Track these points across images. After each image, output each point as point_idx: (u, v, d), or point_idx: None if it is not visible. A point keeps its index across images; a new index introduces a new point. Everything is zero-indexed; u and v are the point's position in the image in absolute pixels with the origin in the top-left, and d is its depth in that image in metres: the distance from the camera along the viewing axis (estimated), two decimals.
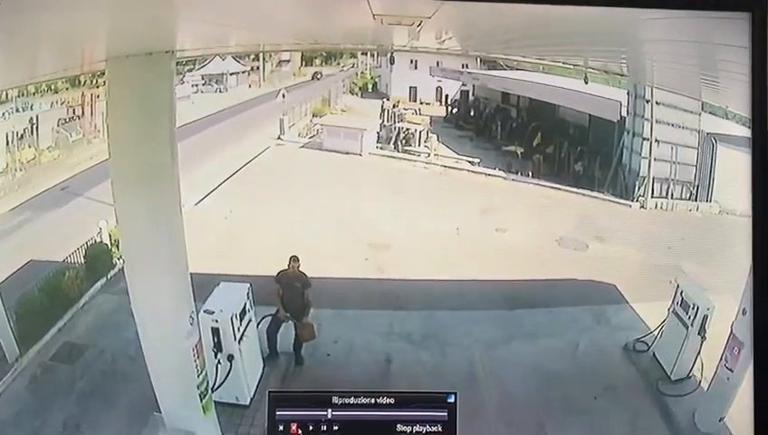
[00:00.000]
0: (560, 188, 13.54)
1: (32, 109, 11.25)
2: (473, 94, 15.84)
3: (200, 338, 8.93)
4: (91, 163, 11.92)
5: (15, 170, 11.47)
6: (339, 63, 16.95)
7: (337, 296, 11.23)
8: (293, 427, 8.04)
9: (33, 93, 11.14)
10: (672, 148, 12.65)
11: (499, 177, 13.94)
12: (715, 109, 11.56)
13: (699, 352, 10.44)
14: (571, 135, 14.28)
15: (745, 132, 7.57)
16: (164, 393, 8.76)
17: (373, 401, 8.15)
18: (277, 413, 8.08)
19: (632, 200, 12.89)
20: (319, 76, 16.72)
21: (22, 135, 11.28)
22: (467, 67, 15.61)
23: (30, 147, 11.34)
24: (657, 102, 12.61)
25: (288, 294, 10.64)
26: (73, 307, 11.02)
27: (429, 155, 14.54)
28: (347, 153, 14.44)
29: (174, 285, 8.66)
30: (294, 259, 10.50)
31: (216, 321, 9.83)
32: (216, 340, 9.83)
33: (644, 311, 11.34)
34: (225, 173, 13.51)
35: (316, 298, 10.65)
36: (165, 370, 8.72)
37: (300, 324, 10.76)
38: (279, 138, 14.92)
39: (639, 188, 12.79)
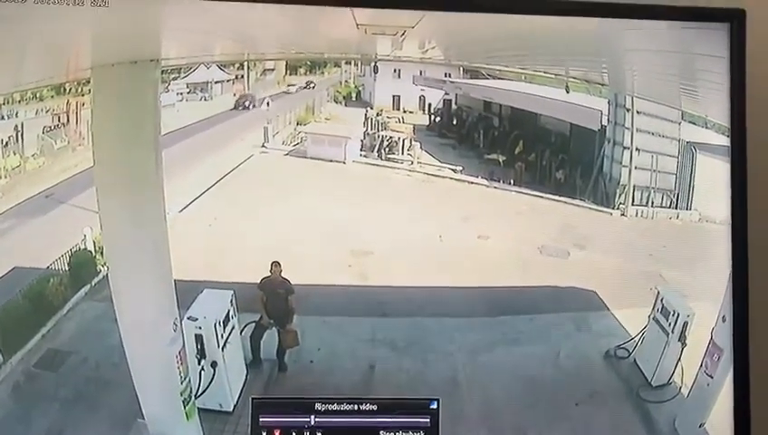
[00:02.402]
0: (541, 196, 13.58)
1: (17, 116, 11.24)
2: (455, 103, 15.87)
3: (184, 345, 9.00)
4: (76, 171, 11.89)
5: (0, 178, 11.48)
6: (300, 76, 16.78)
7: (320, 303, 11.22)
8: (276, 433, 8.09)
9: (19, 101, 11.13)
10: (652, 156, 12.72)
11: (481, 184, 13.98)
12: (695, 118, 11.64)
13: (680, 359, 10.52)
14: (553, 143, 14.33)
15: (724, 141, 7.68)
16: (147, 400, 8.80)
17: (356, 407, 8.20)
18: (260, 419, 8.13)
19: (613, 208, 12.95)
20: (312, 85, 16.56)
21: (6, 143, 11.26)
22: (450, 76, 15.65)
23: (15, 154, 11.33)
24: (637, 112, 12.70)
25: (272, 301, 10.67)
26: (57, 314, 10.98)
27: (412, 163, 14.58)
28: (331, 161, 14.46)
29: (158, 292, 8.73)
30: (276, 265, 10.51)
31: (200, 328, 9.88)
32: (199, 347, 9.87)
33: (625, 318, 11.38)
34: (210, 181, 13.51)
35: (300, 305, 10.65)
36: (148, 376, 8.77)
37: (283, 331, 10.79)
38: (263, 146, 14.92)
39: (620, 196, 12.87)
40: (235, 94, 15.41)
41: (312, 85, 15.98)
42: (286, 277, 10.52)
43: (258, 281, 10.59)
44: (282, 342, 10.85)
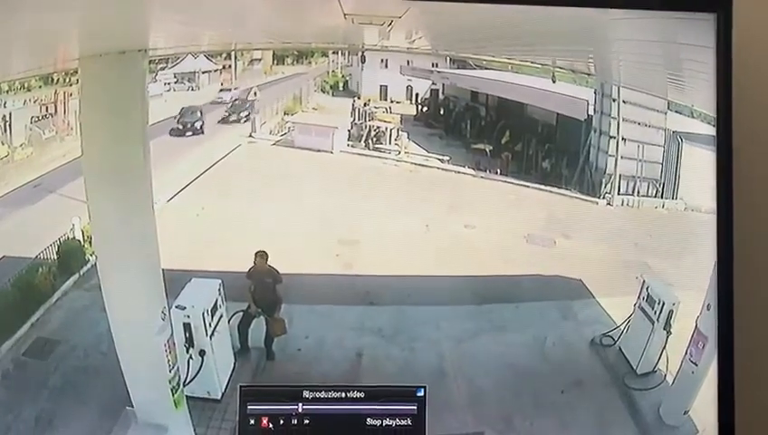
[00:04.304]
0: (528, 186, 13.60)
1: (5, 106, 11.22)
2: (442, 93, 15.86)
3: (172, 333, 9.02)
4: (64, 161, 11.89)
5: None
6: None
7: (308, 292, 11.25)
8: (264, 421, 8.13)
9: (6, 91, 11.10)
10: (638, 146, 12.76)
11: (468, 174, 13.98)
12: (681, 107, 11.68)
13: (665, 347, 10.59)
14: (539, 133, 14.35)
15: (710, 131, 7.72)
16: (136, 388, 8.84)
17: (343, 395, 8.24)
18: (248, 407, 8.16)
19: (599, 197, 12.98)
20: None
21: None
22: (437, 66, 15.64)
23: (3, 144, 11.32)
24: (623, 101, 12.72)
25: (259, 290, 10.71)
26: (46, 303, 11.00)
27: (400, 153, 14.58)
28: (318, 151, 14.44)
29: (146, 281, 8.76)
30: (261, 255, 10.54)
31: (188, 316, 9.92)
32: (187, 335, 9.92)
33: (610, 306, 11.45)
34: (197, 170, 13.49)
35: (287, 294, 10.70)
36: (137, 365, 8.81)
37: (271, 320, 10.83)
38: (251, 135, 14.89)
39: (606, 185, 12.90)
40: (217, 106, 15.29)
41: (252, 100, 15.55)
42: (273, 266, 10.54)
43: (246, 270, 10.62)
44: (270, 330, 10.89)
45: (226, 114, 15.08)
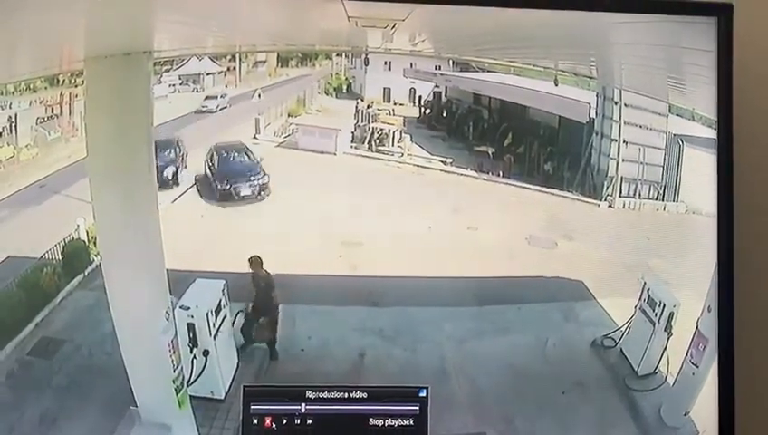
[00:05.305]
0: (530, 188, 13.57)
1: (10, 107, 11.23)
2: (445, 95, 15.84)
3: (176, 334, 9.06)
4: (69, 161, 11.88)
5: None
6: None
7: (311, 293, 11.24)
8: (267, 421, 8.17)
9: (12, 92, 11.14)
10: (640, 149, 12.75)
11: (471, 176, 13.98)
12: (682, 111, 11.67)
13: (665, 348, 10.59)
14: (542, 136, 14.33)
15: (711, 134, 7.75)
16: (140, 388, 8.87)
17: (346, 395, 8.28)
18: (252, 407, 8.21)
19: (600, 200, 12.97)
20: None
21: (0, 133, 11.31)
22: (440, 69, 15.62)
23: (9, 145, 11.34)
24: (625, 104, 12.71)
25: (258, 293, 10.76)
26: (51, 303, 11.01)
27: (402, 155, 14.58)
28: (322, 152, 14.44)
29: (150, 282, 8.80)
30: (254, 260, 10.61)
31: (192, 317, 9.95)
32: (191, 335, 9.95)
33: (612, 308, 11.43)
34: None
35: (291, 295, 10.72)
36: (141, 365, 8.84)
37: (264, 322, 10.88)
38: (255, 137, 14.87)
39: (608, 187, 12.89)
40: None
41: (204, 108, 15.11)
42: (268, 272, 10.55)
43: (249, 271, 10.63)
44: (257, 331, 10.93)
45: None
